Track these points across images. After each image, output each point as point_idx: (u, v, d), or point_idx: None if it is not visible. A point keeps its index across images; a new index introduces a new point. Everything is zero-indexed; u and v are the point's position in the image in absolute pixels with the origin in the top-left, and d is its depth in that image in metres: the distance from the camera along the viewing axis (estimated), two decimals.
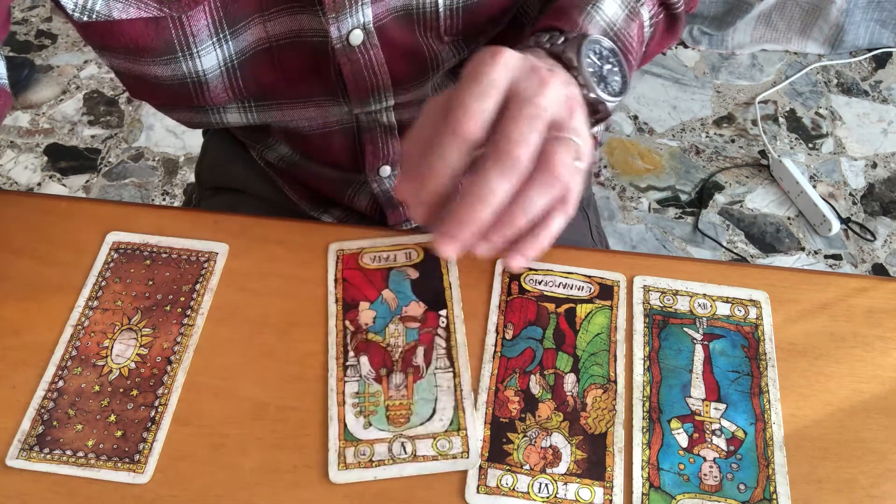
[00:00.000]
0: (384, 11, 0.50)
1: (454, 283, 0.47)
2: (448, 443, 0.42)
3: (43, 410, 0.43)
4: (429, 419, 0.42)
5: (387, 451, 0.42)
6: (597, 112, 0.48)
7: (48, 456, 0.41)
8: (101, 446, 0.42)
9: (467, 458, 0.41)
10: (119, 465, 0.41)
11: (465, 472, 0.41)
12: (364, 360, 0.45)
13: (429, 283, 0.48)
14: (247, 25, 0.50)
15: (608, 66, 0.48)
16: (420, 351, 0.45)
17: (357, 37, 0.50)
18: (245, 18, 0.49)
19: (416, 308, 0.47)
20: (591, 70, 0.46)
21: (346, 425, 0.43)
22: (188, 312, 0.47)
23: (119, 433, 0.42)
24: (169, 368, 0.44)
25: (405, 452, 0.41)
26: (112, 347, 0.45)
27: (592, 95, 0.46)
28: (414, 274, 0.48)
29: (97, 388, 0.44)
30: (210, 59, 0.50)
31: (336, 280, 0.48)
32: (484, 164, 0.38)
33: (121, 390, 0.44)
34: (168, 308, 0.47)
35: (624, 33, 0.50)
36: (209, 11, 0.48)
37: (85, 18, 0.47)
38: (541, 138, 0.39)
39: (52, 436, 0.42)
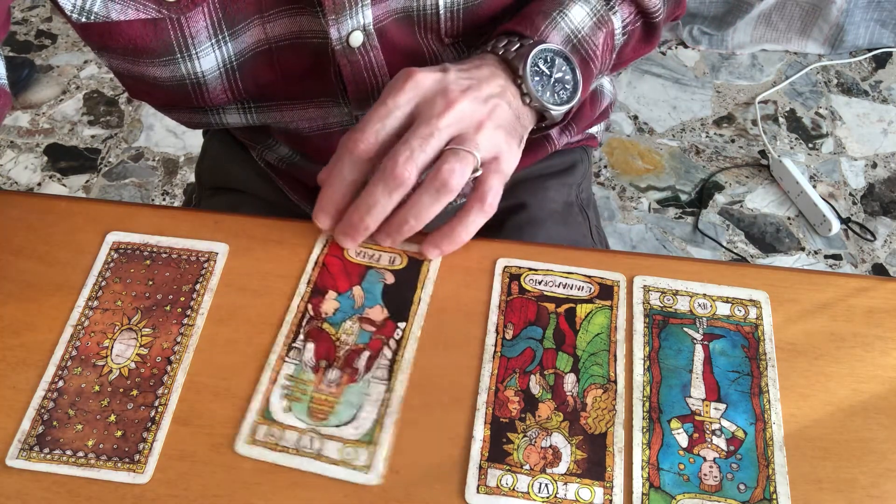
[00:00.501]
0: (384, 13, 0.50)
1: (424, 300, 0.47)
2: (354, 452, 0.41)
3: (43, 410, 0.43)
4: (346, 423, 0.42)
5: (296, 441, 0.41)
6: (543, 118, 0.50)
7: (48, 456, 0.41)
8: (101, 446, 0.42)
9: (367, 473, 0.40)
10: (119, 465, 0.41)
11: (465, 473, 0.41)
12: (310, 346, 0.45)
13: (401, 292, 0.47)
14: (246, 27, 0.50)
15: (559, 75, 0.50)
16: (364, 355, 0.45)
17: (357, 38, 0.50)
18: (244, 20, 0.49)
19: (379, 313, 0.46)
20: (537, 79, 0.49)
21: (269, 403, 0.43)
22: (188, 312, 0.47)
23: (119, 433, 0.42)
24: (169, 368, 0.44)
25: (310, 448, 0.41)
26: (112, 347, 0.45)
27: (535, 104, 0.48)
28: (390, 279, 0.48)
29: (97, 388, 0.44)
30: (209, 60, 0.50)
31: (316, 263, 0.48)
32: (374, 178, 0.44)
33: (121, 390, 0.44)
34: (168, 308, 0.47)
35: (588, 41, 0.51)
36: (208, 13, 0.48)
37: (83, 19, 0.47)
38: (432, 155, 0.44)
39: (52, 436, 0.42)
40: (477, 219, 0.46)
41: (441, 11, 0.51)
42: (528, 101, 0.48)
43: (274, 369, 0.44)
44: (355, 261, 0.49)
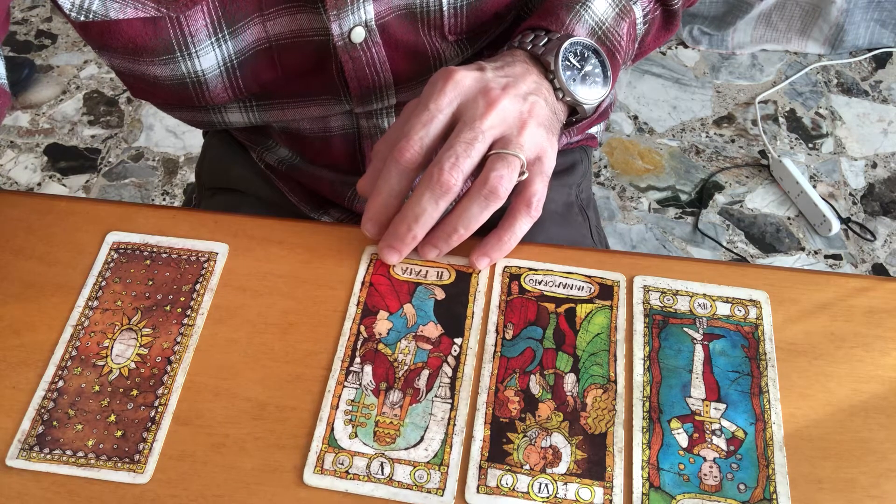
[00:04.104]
0: (387, 9, 0.50)
1: (477, 314, 0.46)
2: (427, 475, 0.41)
3: (43, 410, 0.43)
4: (414, 446, 0.42)
5: (365, 467, 0.41)
6: (576, 112, 0.49)
7: (48, 456, 0.41)
8: (101, 446, 0.42)
9: (441, 496, 0.40)
10: (119, 465, 0.41)
11: (465, 473, 0.41)
12: (368, 369, 0.44)
13: (452, 307, 0.47)
14: (246, 25, 0.50)
15: (589, 68, 0.49)
16: (424, 374, 0.44)
17: (359, 34, 0.50)
18: (244, 18, 0.49)
19: (433, 330, 0.46)
20: (569, 73, 0.48)
21: (332, 430, 0.42)
22: (188, 312, 0.47)
23: (119, 433, 0.42)
24: (169, 368, 0.44)
25: (382, 473, 0.41)
26: (112, 347, 0.45)
27: (568, 98, 0.47)
28: (440, 294, 0.47)
29: (97, 388, 0.44)
30: (209, 58, 0.50)
31: (363, 283, 0.48)
32: (420, 185, 0.44)
33: (121, 390, 0.44)
34: (168, 308, 0.47)
35: (613, 32, 0.51)
36: (207, 11, 0.48)
37: (82, 18, 0.47)
38: (479, 157, 0.43)
39: (52, 436, 0.42)
40: (524, 224, 0.45)
41: (444, 8, 0.51)
42: (561, 95, 0.48)
43: (334, 395, 0.43)
44: (402, 278, 0.48)
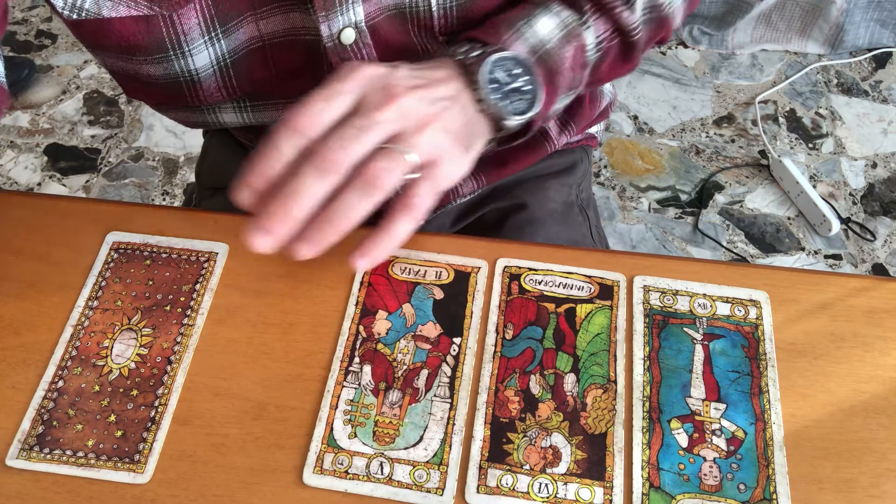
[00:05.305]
0: (376, 10, 0.50)
1: (476, 313, 0.47)
2: (426, 475, 0.41)
3: (43, 410, 0.43)
4: (414, 445, 0.42)
5: (364, 467, 0.41)
6: (500, 128, 0.48)
7: (48, 456, 0.41)
8: (101, 446, 0.42)
9: (441, 495, 0.40)
10: (119, 465, 0.41)
11: (465, 473, 0.41)
12: (367, 369, 0.45)
13: (451, 306, 0.47)
14: (239, 24, 0.50)
15: (518, 84, 0.48)
16: (424, 374, 0.44)
17: (349, 35, 0.50)
18: (237, 17, 0.49)
19: (432, 329, 0.46)
20: (493, 86, 0.47)
21: (332, 430, 0.42)
22: (188, 312, 0.47)
23: (119, 433, 0.42)
24: (169, 368, 0.44)
25: (381, 473, 0.41)
26: (112, 347, 0.45)
27: (490, 111, 0.46)
28: (439, 294, 0.47)
29: (97, 388, 0.44)
30: (202, 57, 0.50)
31: (362, 283, 0.48)
32: (303, 164, 0.41)
33: (121, 390, 0.44)
34: (168, 308, 0.47)
35: (554, 54, 0.50)
36: (200, 10, 0.48)
37: (74, 16, 0.47)
38: (367, 147, 0.41)
39: (52, 436, 0.42)
40: (402, 226, 0.42)
41: (434, 8, 0.51)
42: (482, 107, 0.47)
43: (333, 395, 0.43)
44: (401, 278, 0.48)
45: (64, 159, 1.62)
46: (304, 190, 0.40)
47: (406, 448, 0.42)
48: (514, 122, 0.48)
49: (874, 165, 1.60)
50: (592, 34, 0.51)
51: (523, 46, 0.48)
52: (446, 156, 0.44)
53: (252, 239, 0.40)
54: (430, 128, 0.43)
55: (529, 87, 0.48)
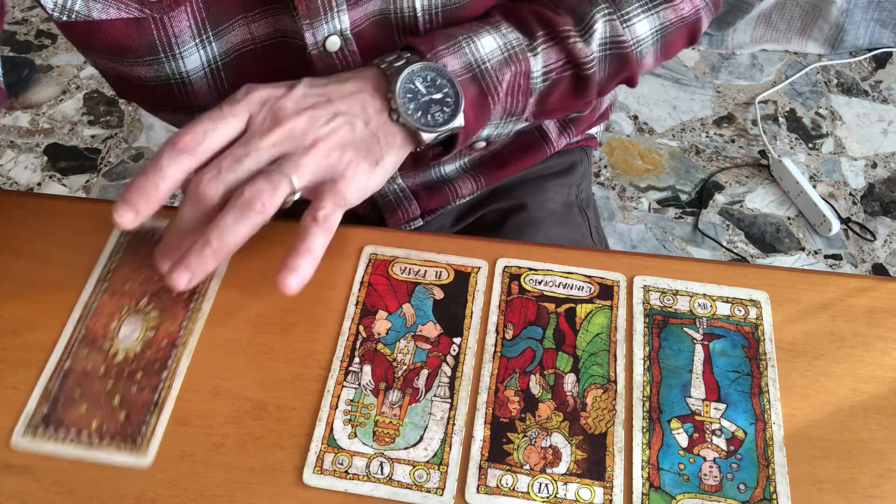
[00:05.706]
0: (362, 17, 0.50)
1: (476, 313, 0.47)
2: (426, 475, 0.41)
3: (48, 391, 0.43)
4: (414, 445, 0.42)
5: (364, 467, 0.41)
6: (419, 141, 0.47)
7: (53, 435, 0.42)
8: (104, 427, 0.42)
9: (441, 495, 0.40)
10: (122, 446, 0.41)
11: (465, 473, 0.41)
12: (367, 369, 0.45)
13: (451, 307, 0.47)
14: (231, 27, 0.50)
15: (438, 96, 0.47)
16: (424, 374, 0.44)
17: (334, 43, 0.49)
18: (228, 20, 0.49)
19: (432, 329, 0.46)
20: (409, 96, 0.46)
21: (332, 430, 0.42)
22: (195, 297, 0.47)
23: (123, 415, 0.42)
24: (174, 352, 0.45)
25: (381, 473, 0.41)
26: (119, 330, 0.46)
27: (403, 122, 0.45)
28: (439, 294, 0.47)
29: (103, 369, 0.44)
30: (193, 60, 0.50)
31: (362, 283, 0.48)
32: (184, 196, 0.42)
33: (126, 373, 0.44)
34: (174, 293, 0.47)
35: (492, 73, 0.48)
36: (191, 13, 0.48)
37: (64, 18, 0.47)
38: (247, 173, 0.42)
39: (57, 416, 0.43)
40: (316, 238, 0.42)
41: (419, 14, 0.50)
42: (395, 117, 0.46)
43: (333, 395, 0.44)
44: (401, 278, 0.48)
45: (64, 159, 1.62)
46: (178, 221, 0.42)
47: (406, 448, 0.42)
48: (428, 134, 0.46)
49: (874, 165, 1.60)
50: (540, 62, 0.50)
51: (458, 61, 0.47)
52: (349, 172, 0.43)
53: (116, 212, 0.40)
54: (318, 148, 0.43)
55: (452, 100, 0.47)
